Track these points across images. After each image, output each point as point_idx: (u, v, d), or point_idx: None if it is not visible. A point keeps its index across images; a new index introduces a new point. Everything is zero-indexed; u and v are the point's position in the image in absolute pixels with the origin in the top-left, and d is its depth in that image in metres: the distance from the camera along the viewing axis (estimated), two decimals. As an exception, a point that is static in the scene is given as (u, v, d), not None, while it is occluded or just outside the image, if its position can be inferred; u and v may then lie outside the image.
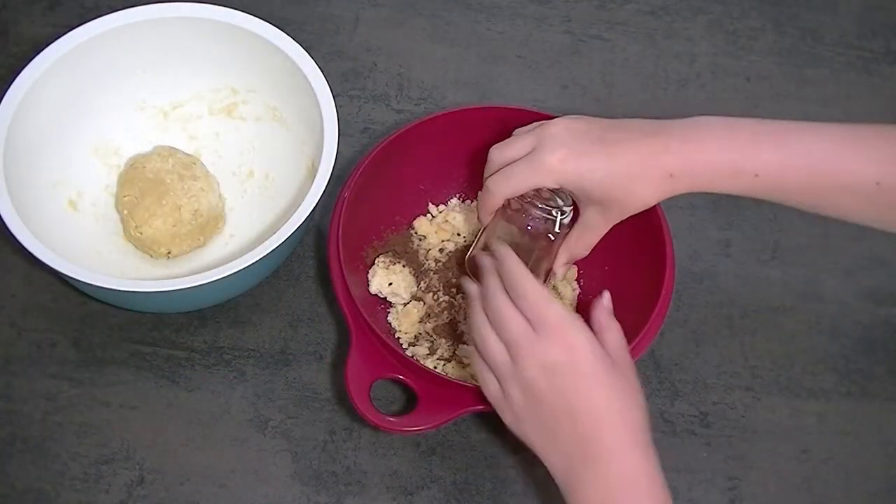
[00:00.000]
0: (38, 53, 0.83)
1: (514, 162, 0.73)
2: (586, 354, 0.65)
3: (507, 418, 0.68)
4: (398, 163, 0.85)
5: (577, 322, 0.66)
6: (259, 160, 0.92)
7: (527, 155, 0.72)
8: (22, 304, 0.87)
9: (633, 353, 0.72)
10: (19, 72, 0.83)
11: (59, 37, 0.84)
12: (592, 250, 0.78)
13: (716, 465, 0.82)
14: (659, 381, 0.86)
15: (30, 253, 0.76)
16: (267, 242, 0.77)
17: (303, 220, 0.78)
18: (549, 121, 0.72)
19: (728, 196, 0.94)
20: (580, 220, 0.75)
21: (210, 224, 0.88)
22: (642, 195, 0.70)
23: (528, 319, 0.66)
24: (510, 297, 0.68)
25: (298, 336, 0.86)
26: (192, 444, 0.81)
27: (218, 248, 0.89)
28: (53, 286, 0.87)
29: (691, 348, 0.87)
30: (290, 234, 0.77)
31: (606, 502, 0.64)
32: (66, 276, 0.76)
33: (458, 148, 0.87)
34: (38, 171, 0.84)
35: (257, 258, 0.76)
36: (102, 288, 0.76)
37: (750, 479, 0.82)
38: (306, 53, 0.85)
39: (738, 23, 1.05)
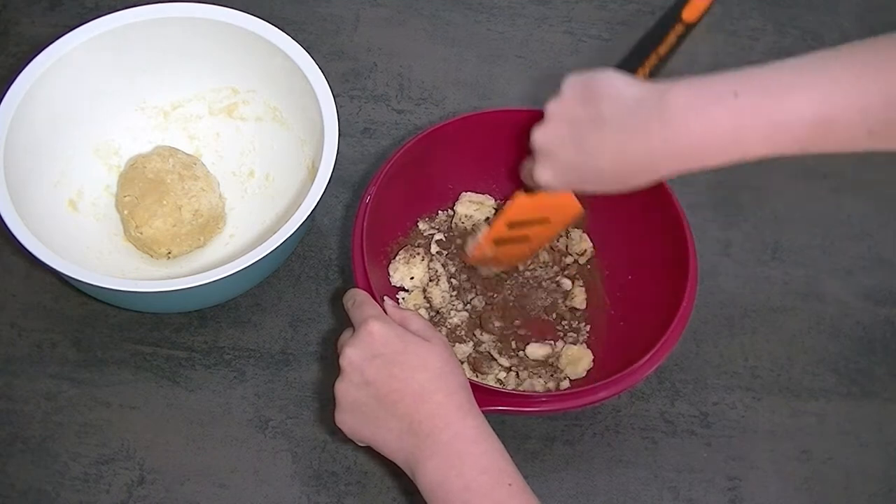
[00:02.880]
0: (38, 53, 0.83)
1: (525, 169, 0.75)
2: (389, 339, 0.69)
3: (347, 428, 0.71)
4: (425, 162, 0.85)
5: (389, 321, 0.71)
6: (259, 160, 0.92)
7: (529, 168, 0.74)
8: (22, 304, 0.87)
9: (652, 360, 0.75)
10: (19, 72, 0.83)
11: (59, 37, 0.84)
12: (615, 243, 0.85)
13: (716, 465, 0.82)
14: (659, 381, 0.86)
15: (30, 253, 0.76)
16: (267, 242, 0.77)
17: (303, 220, 0.78)
18: (533, 130, 0.71)
19: (728, 196, 0.94)
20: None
21: (210, 224, 0.88)
22: (623, 189, 0.70)
23: (355, 323, 0.72)
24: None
25: (298, 336, 0.86)
26: (192, 444, 0.81)
27: (218, 248, 0.89)
28: (53, 286, 0.87)
29: (691, 348, 0.87)
30: (290, 234, 0.77)
31: (445, 470, 0.65)
32: (66, 276, 0.76)
33: (486, 149, 0.87)
34: (38, 171, 0.84)
35: (257, 258, 0.76)
36: (102, 288, 0.76)
37: (750, 479, 0.82)
38: (306, 53, 0.85)
39: (739, 23, 1.05)
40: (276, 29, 0.86)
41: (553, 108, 0.70)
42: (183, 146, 0.92)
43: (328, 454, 0.81)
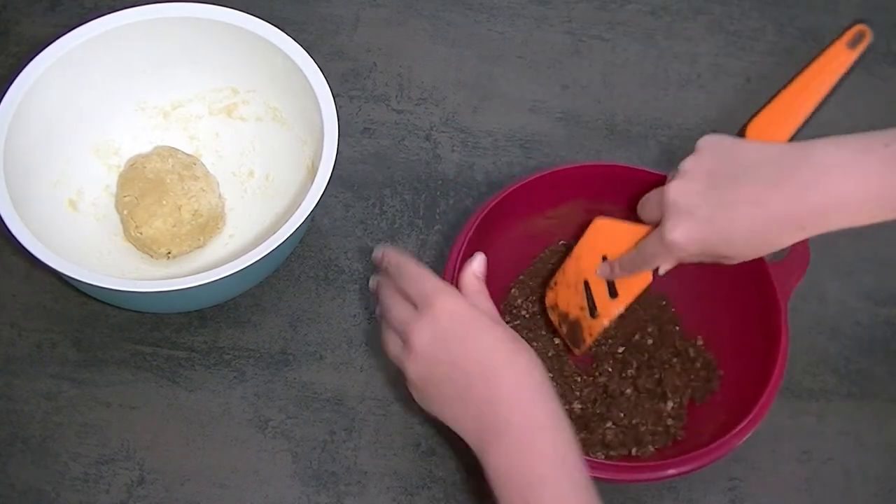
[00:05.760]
0: (38, 53, 0.83)
1: (645, 238, 0.72)
2: (459, 316, 0.66)
3: (418, 399, 0.69)
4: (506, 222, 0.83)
5: (452, 289, 0.67)
6: (259, 160, 0.92)
7: (656, 231, 0.70)
8: (22, 304, 0.87)
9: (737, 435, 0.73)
10: (19, 72, 0.83)
11: (59, 37, 0.84)
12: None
13: (716, 465, 0.82)
14: (659, 382, 0.86)
15: (30, 253, 0.76)
16: (267, 242, 0.77)
17: (303, 220, 0.78)
18: (666, 186, 0.68)
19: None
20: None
21: (210, 224, 0.88)
22: (759, 253, 0.67)
23: (413, 301, 0.68)
24: (398, 286, 0.70)
25: (298, 336, 0.86)
26: (192, 444, 0.81)
27: (218, 248, 0.89)
28: (53, 286, 0.87)
29: (691, 348, 0.87)
30: (290, 234, 0.77)
31: (509, 457, 0.63)
32: (66, 276, 0.76)
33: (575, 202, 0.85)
34: (38, 171, 0.84)
35: (257, 258, 0.76)
36: (102, 288, 0.76)
37: (750, 479, 0.82)
38: (306, 53, 0.85)
39: (739, 23, 1.05)
40: (276, 29, 0.86)
41: (690, 164, 0.68)
42: (183, 146, 0.92)
43: (328, 454, 0.81)
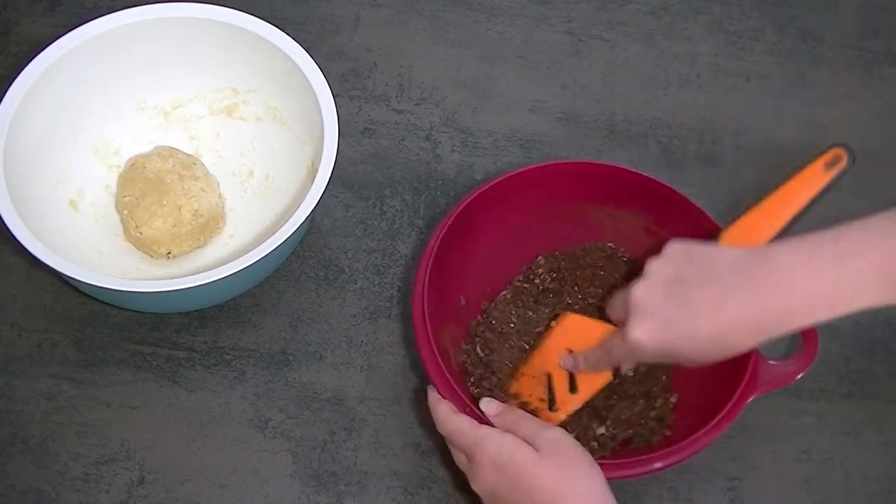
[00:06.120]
0: (38, 53, 0.83)
1: (610, 336, 0.74)
2: (509, 467, 0.68)
3: None
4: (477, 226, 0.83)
5: (492, 439, 0.69)
6: (259, 160, 0.92)
7: (619, 330, 0.71)
8: (22, 304, 0.87)
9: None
10: (19, 72, 0.83)
11: (59, 37, 0.84)
12: None
13: (716, 465, 0.82)
14: (659, 382, 0.85)
15: (30, 253, 0.76)
16: (267, 242, 0.77)
17: (303, 220, 0.78)
18: (631, 287, 0.69)
19: (728, 196, 0.94)
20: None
21: (210, 224, 0.88)
22: (725, 354, 0.67)
23: (464, 452, 0.71)
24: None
25: (298, 336, 0.86)
26: (192, 444, 0.81)
27: (218, 248, 0.89)
28: (54, 286, 0.87)
29: (691, 348, 0.87)
30: (290, 234, 0.77)
31: None
32: (66, 276, 0.76)
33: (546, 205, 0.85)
34: (38, 171, 0.84)
35: (257, 258, 0.76)
36: (102, 288, 0.76)
37: (750, 479, 0.82)
38: (306, 53, 0.85)
39: (739, 23, 1.05)
40: (276, 29, 0.86)
41: (655, 266, 0.69)
42: (183, 146, 0.92)
43: (328, 454, 0.81)
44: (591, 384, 0.77)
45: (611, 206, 0.85)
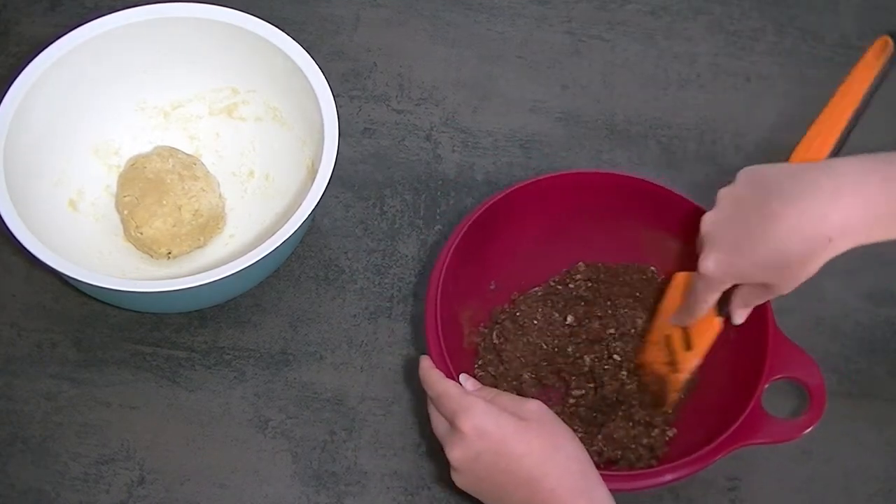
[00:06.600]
0: (38, 53, 0.83)
1: (693, 277, 0.73)
2: (495, 434, 0.67)
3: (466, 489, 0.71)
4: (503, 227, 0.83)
5: (478, 406, 0.68)
6: (259, 160, 0.92)
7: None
8: (22, 304, 0.87)
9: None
10: (19, 72, 0.83)
11: (59, 37, 0.84)
12: None
13: (716, 465, 0.82)
14: (659, 382, 0.86)
15: (30, 253, 0.76)
16: (267, 242, 0.77)
17: (303, 220, 0.78)
18: (703, 217, 0.69)
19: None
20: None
21: (210, 224, 0.88)
22: (800, 275, 0.66)
23: (446, 417, 0.70)
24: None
25: (298, 336, 0.86)
26: (192, 444, 0.81)
27: (218, 248, 0.89)
28: (53, 286, 0.87)
29: (691, 348, 0.87)
30: (290, 234, 0.77)
31: None
32: (66, 276, 0.76)
33: (573, 212, 0.85)
34: (38, 171, 0.84)
35: (257, 258, 0.76)
36: (102, 288, 0.76)
37: (750, 479, 0.82)
38: (306, 53, 0.85)
39: (739, 23, 1.05)
40: (276, 29, 0.86)
41: (723, 192, 0.68)
42: (183, 146, 0.92)
43: (328, 454, 0.81)
44: (703, 337, 0.77)
45: (661, 231, 0.84)
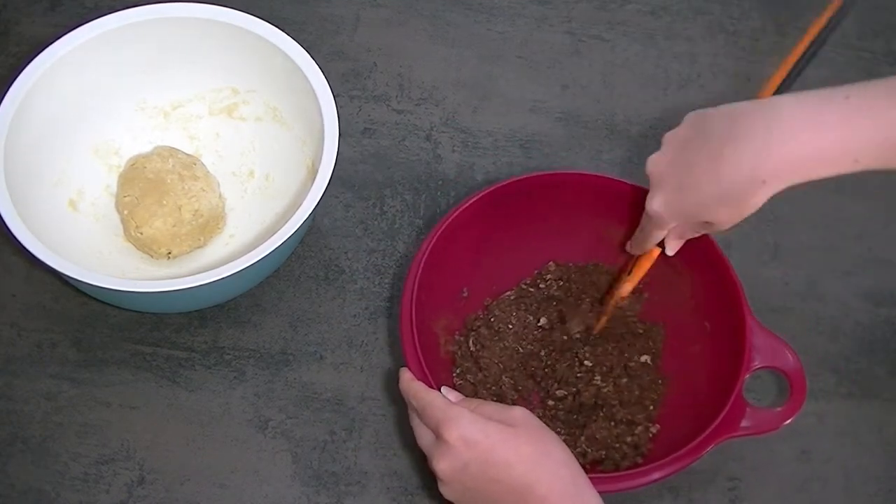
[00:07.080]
0: (38, 53, 0.83)
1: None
2: (483, 443, 0.66)
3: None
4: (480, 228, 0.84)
5: (464, 416, 0.67)
6: (259, 160, 0.92)
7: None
8: (22, 304, 0.87)
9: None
10: (19, 72, 0.83)
11: (59, 37, 0.84)
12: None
13: (716, 465, 0.82)
14: (659, 382, 0.86)
15: (30, 253, 0.76)
16: (267, 242, 0.77)
17: (303, 220, 0.78)
18: (648, 158, 0.71)
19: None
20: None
21: (210, 224, 0.88)
22: (741, 213, 0.66)
23: (431, 428, 0.69)
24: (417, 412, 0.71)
25: (298, 336, 0.86)
26: (192, 444, 0.81)
27: (218, 248, 0.89)
28: (53, 286, 0.87)
29: (691, 348, 0.87)
30: (290, 234, 0.77)
31: None
32: (66, 276, 0.76)
33: (547, 214, 0.85)
34: (38, 171, 0.84)
35: (257, 258, 0.76)
36: (102, 288, 0.76)
37: (750, 479, 0.82)
38: (307, 53, 0.85)
39: (739, 23, 1.05)
40: (276, 29, 0.86)
41: (668, 135, 0.69)
42: (183, 146, 0.92)
43: (328, 454, 0.81)
44: (641, 265, 0.80)
45: (631, 226, 0.84)
